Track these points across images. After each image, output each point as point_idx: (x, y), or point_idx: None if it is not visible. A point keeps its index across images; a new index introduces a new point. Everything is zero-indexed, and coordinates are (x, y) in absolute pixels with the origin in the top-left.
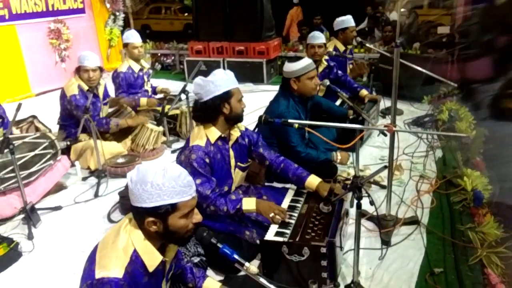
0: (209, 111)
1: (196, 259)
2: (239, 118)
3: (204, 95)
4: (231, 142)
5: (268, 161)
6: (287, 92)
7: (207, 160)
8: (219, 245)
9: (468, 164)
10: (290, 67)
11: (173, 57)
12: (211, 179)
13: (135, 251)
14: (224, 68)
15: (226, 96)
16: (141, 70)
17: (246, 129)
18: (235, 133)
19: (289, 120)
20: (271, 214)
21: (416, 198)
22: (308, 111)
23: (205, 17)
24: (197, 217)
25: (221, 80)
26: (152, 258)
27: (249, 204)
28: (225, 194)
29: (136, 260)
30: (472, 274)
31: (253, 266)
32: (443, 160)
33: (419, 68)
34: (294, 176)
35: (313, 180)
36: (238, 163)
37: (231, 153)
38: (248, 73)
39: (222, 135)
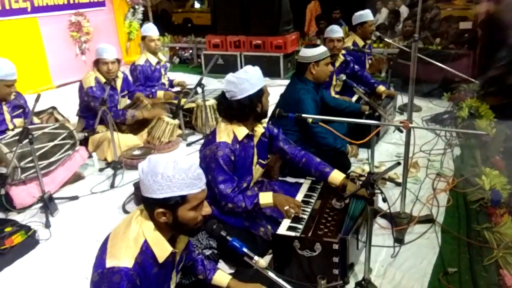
0: (246, 109)
1: (208, 252)
2: (266, 114)
3: (239, 93)
4: (256, 139)
5: (290, 156)
6: (302, 77)
7: (233, 158)
8: (229, 238)
9: (487, 163)
10: (309, 52)
11: (191, 51)
12: (234, 177)
13: (145, 241)
14: (241, 62)
15: (260, 94)
16: (158, 63)
17: (268, 124)
18: (260, 130)
19: (303, 115)
20: (286, 207)
21: (432, 196)
22: (319, 101)
23: (223, 11)
24: (206, 209)
25: (255, 78)
26: (162, 249)
27: (266, 198)
28: (243, 190)
29: (146, 251)
30: (487, 275)
31: (262, 260)
32: (461, 158)
33: (439, 64)
34: (317, 171)
35: (337, 176)
36: (260, 160)
37: (255, 150)
38: (264, 68)
39: (249, 133)
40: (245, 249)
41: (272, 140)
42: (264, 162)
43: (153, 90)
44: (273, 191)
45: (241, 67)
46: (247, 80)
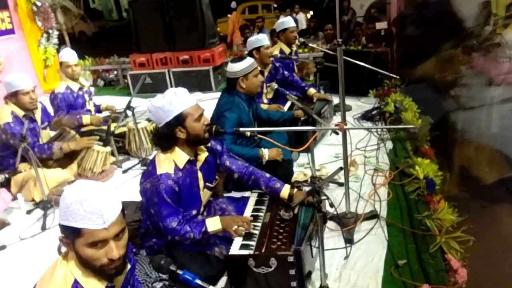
0: (165, 138)
1: (158, 285)
2: (201, 139)
3: (157, 121)
4: (199, 164)
5: (238, 174)
6: (232, 91)
7: (177, 189)
8: (179, 272)
9: (418, 153)
10: (236, 66)
11: (115, 72)
12: (179, 210)
13: (75, 281)
14: (170, 79)
15: (179, 120)
16: (80, 89)
17: (211, 142)
18: (203, 154)
19: (241, 129)
20: (234, 227)
21: (373, 192)
22: (255, 112)
23: (145, 28)
24: (112, 253)
25: (170, 105)
26: (95, 286)
27: (213, 224)
28: (193, 218)
29: None
30: (434, 262)
31: None
32: (394, 151)
33: (362, 64)
34: (268, 188)
35: (286, 190)
36: (207, 184)
37: (200, 175)
38: (195, 82)
39: (190, 158)
40: (198, 281)
41: (216, 158)
42: (211, 185)
43: (78, 117)
44: (222, 210)
45: (171, 84)
46: (160, 108)
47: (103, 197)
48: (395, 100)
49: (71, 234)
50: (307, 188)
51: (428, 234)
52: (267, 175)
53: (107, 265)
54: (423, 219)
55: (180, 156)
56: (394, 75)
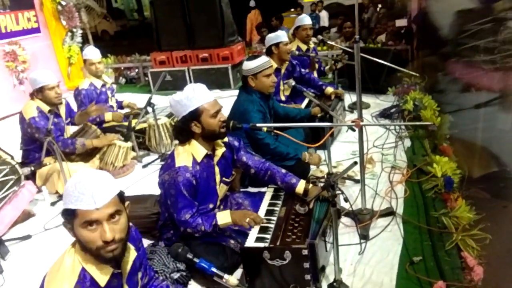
0: (182, 131)
1: (176, 275)
2: (217, 134)
3: (176, 115)
4: (216, 159)
5: (254, 170)
6: (247, 88)
7: (194, 182)
8: (196, 260)
9: (436, 151)
10: (247, 65)
11: (136, 70)
12: (194, 203)
13: (83, 269)
14: (189, 76)
15: (194, 115)
16: (103, 86)
17: (228, 137)
18: (220, 149)
19: (257, 124)
20: (247, 220)
21: (390, 189)
22: (271, 109)
23: (166, 27)
24: (105, 235)
25: (187, 99)
26: (101, 272)
27: (224, 218)
28: (209, 211)
29: (85, 279)
30: (450, 259)
31: (232, 278)
32: (412, 149)
33: (381, 61)
34: (284, 183)
35: (301, 185)
36: (224, 178)
37: (217, 170)
38: (214, 80)
39: (208, 153)
40: (213, 269)
41: (234, 154)
42: (228, 180)
43: (100, 114)
44: (238, 205)
45: (190, 81)
46: (178, 102)
47: (95, 179)
48: (414, 98)
49: (69, 217)
50: (321, 184)
51: (445, 232)
52: (283, 170)
53: (102, 248)
54: (439, 216)
55: (198, 150)
56: (413, 73)
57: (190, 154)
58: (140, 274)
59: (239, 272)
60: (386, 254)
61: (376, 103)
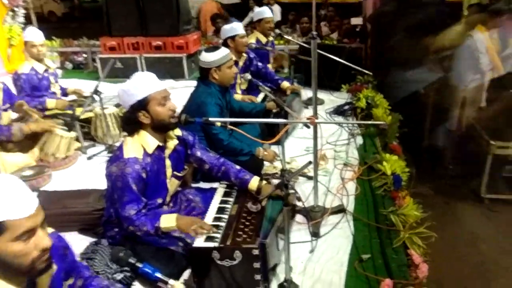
0: (130, 122)
1: (119, 276)
2: (167, 125)
3: (124, 105)
4: (167, 151)
5: (209, 165)
6: (206, 81)
7: (144, 175)
8: (139, 265)
9: (386, 149)
10: (209, 56)
11: (85, 55)
12: (141, 199)
13: None
14: (142, 65)
15: (142, 104)
16: (46, 70)
17: (182, 132)
18: (172, 141)
19: (211, 119)
20: (194, 227)
21: (341, 186)
22: (228, 103)
23: (117, 11)
24: (44, 241)
25: (134, 88)
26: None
27: (168, 221)
28: (158, 207)
29: None
30: (397, 257)
31: (178, 284)
32: (364, 146)
33: (336, 58)
34: (237, 180)
35: (254, 182)
36: (175, 173)
37: (168, 163)
38: (168, 69)
39: (160, 144)
40: (158, 274)
41: (187, 149)
42: (180, 174)
43: (42, 100)
44: (188, 201)
45: (142, 70)
46: (126, 91)
47: (16, 185)
48: (366, 96)
49: None
50: (276, 181)
51: (392, 229)
52: (237, 167)
53: (38, 259)
54: (388, 214)
55: (148, 141)
56: (367, 71)
57: (140, 145)
58: (71, 280)
59: (187, 272)
60: (336, 252)
61: (330, 99)
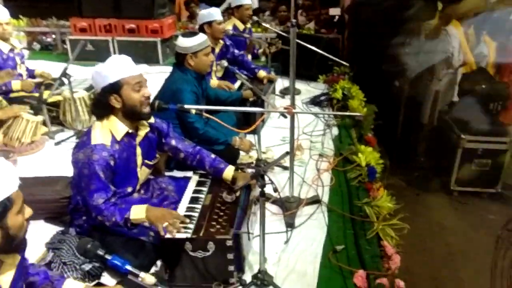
0: (100, 105)
1: (87, 267)
2: (139, 112)
3: (96, 87)
4: (138, 139)
5: (184, 154)
6: (182, 67)
7: (112, 163)
8: (108, 257)
9: (361, 141)
10: (186, 42)
11: (54, 36)
12: (109, 186)
13: None
14: (114, 48)
15: (115, 88)
16: (11, 50)
17: (155, 119)
18: (144, 129)
19: (186, 106)
20: (165, 224)
21: (317, 177)
22: (204, 91)
23: None
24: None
25: (108, 70)
26: None
27: (138, 212)
28: (128, 195)
29: None
30: (370, 248)
31: (149, 276)
32: (339, 137)
33: (314, 48)
34: (212, 168)
35: (229, 171)
36: (146, 161)
37: (138, 151)
38: (141, 54)
39: (130, 131)
40: (128, 267)
41: (161, 137)
42: (150, 163)
43: (7, 82)
44: (161, 189)
45: (115, 53)
46: (99, 73)
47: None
48: (343, 87)
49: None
50: (250, 171)
51: (366, 221)
52: (213, 155)
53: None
54: (362, 205)
55: (118, 127)
56: (344, 62)
57: (108, 131)
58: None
59: (158, 263)
60: (311, 243)
61: (307, 89)
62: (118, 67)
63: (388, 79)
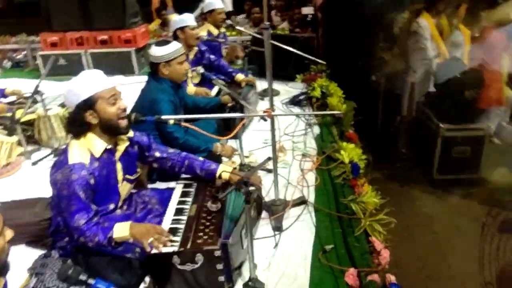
0: (75, 123)
1: None
2: (116, 126)
3: (70, 105)
4: (118, 154)
5: (171, 162)
6: (156, 76)
7: (92, 181)
8: (91, 282)
9: (343, 138)
10: (158, 51)
11: (24, 52)
12: (90, 206)
13: None
14: (87, 61)
15: (88, 104)
16: None
17: (135, 133)
18: (123, 143)
19: (163, 117)
20: (150, 240)
21: (301, 178)
22: (182, 99)
23: (58, 4)
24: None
25: (80, 86)
26: None
27: (121, 230)
28: (110, 212)
29: None
30: (359, 245)
31: None
32: (321, 136)
33: (289, 48)
34: (203, 171)
35: (223, 169)
36: (127, 176)
37: (118, 166)
38: (116, 65)
39: (108, 147)
40: None
41: (144, 151)
42: (132, 178)
43: None
44: (144, 203)
45: (88, 66)
46: (71, 90)
47: None
48: (321, 85)
49: None
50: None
51: (353, 218)
52: (201, 158)
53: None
54: (348, 203)
55: (96, 144)
56: (320, 60)
57: (86, 149)
58: None
59: (147, 278)
60: (300, 245)
61: (286, 90)
62: (90, 82)
63: (364, 74)
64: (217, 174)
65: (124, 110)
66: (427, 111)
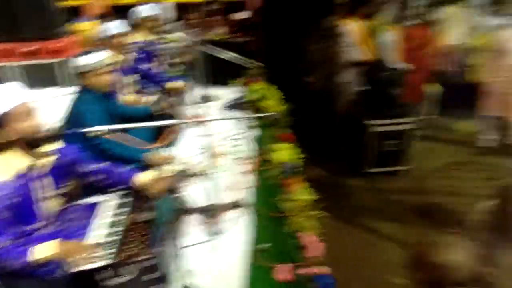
0: None
1: None
2: (35, 141)
3: None
4: (43, 170)
5: (102, 175)
6: (83, 87)
7: (12, 201)
8: None
9: (280, 139)
10: (81, 61)
11: None
12: (9, 228)
13: None
14: (12, 73)
15: (1, 123)
16: None
17: (64, 146)
18: (47, 158)
19: (89, 129)
20: (76, 257)
21: (240, 181)
22: (114, 109)
23: None
24: None
25: None
26: None
27: (45, 250)
28: (34, 232)
29: None
30: (292, 241)
31: None
32: (260, 138)
33: (225, 55)
34: (126, 180)
35: (142, 177)
36: (53, 192)
37: (43, 182)
38: (45, 77)
39: (30, 164)
40: None
41: (73, 165)
42: (59, 192)
43: None
44: (71, 220)
45: (14, 79)
46: None
47: None
48: (257, 89)
49: None
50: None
51: (285, 216)
52: (128, 167)
53: None
54: (278, 202)
55: (15, 162)
56: (258, 63)
57: (5, 167)
58: None
59: None
60: (238, 247)
61: (226, 94)
62: (1, 99)
63: (299, 76)
64: (137, 184)
65: (39, 125)
66: (358, 108)
